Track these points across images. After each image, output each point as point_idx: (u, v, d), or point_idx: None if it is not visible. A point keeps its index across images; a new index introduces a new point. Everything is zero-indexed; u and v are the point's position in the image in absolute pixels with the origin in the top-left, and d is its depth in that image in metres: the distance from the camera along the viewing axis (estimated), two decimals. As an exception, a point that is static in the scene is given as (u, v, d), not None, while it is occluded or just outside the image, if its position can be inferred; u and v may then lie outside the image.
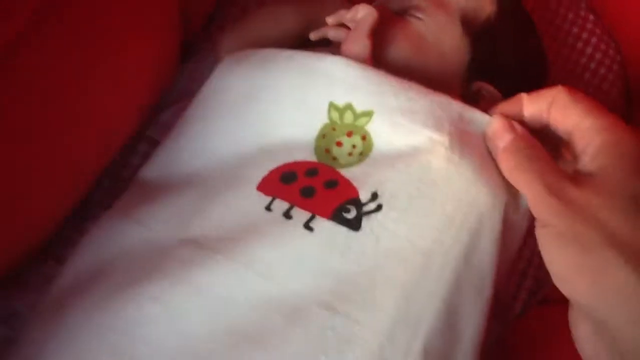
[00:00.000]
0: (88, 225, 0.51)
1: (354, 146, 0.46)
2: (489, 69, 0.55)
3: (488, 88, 0.54)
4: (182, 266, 0.42)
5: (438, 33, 0.53)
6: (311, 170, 0.46)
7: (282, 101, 0.48)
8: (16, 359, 0.42)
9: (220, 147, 0.49)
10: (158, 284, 0.41)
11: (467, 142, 0.44)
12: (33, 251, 0.51)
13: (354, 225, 0.43)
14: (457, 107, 0.46)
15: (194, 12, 0.59)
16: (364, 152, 0.45)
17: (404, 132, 0.45)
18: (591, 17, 0.74)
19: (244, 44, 0.57)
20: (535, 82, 0.59)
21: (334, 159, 0.46)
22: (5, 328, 0.48)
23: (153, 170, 0.52)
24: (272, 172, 0.46)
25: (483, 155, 0.45)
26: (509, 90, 0.55)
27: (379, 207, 0.43)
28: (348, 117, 0.47)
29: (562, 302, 0.48)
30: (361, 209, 0.43)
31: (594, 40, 0.73)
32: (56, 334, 0.41)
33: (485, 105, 0.54)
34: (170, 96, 0.60)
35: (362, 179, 0.44)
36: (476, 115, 0.46)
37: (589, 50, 0.73)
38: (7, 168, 0.43)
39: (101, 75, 0.48)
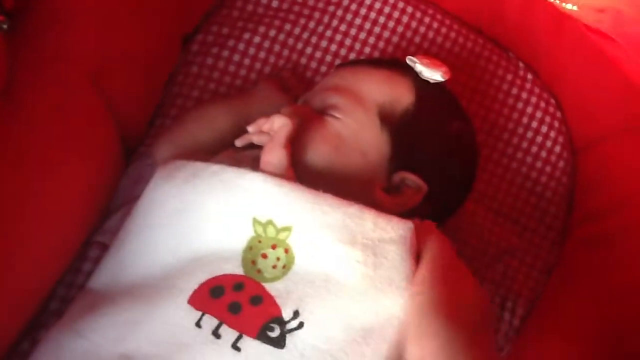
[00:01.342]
0: (41, 335, 0.54)
1: (277, 258, 0.49)
2: (411, 158, 0.57)
3: (411, 177, 0.56)
4: None
5: (356, 131, 0.55)
6: (238, 284, 0.49)
7: (210, 216, 0.51)
8: None
9: (156, 258, 0.52)
10: None
11: (381, 252, 0.46)
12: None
13: (279, 343, 0.46)
14: (370, 216, 0.48)
15: (135, 119, 0.62)
16: (287, 265, 0.48)
17: (321, 247, 0.48)
18: (529, 76, 0.75)
19: (178, 148, 0.60)
20: (462, 164, 0.61)
21: (259, 271, 0.48)
22: None
23: (98, 280, 0.55)
24: (202, 285, 0.48)
25: (399, 260, 0.47)
26: (435, 176, 0.57)
27: (300, 325, 0.46)
28: (271, 231, 0.49)
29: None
30: (284, 327, 0.46)
31: (533, 99, 0.75)
32: None
33: (409, 195, 0.57)
34: (116, 200, 0.63)
35: (285, 296, 0.47)
36: (392, 222, 0.48)
37: (529, 109, 0.75)
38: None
39: (44, 194, 0.51)
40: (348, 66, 0.63)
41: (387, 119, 0.56)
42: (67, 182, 0.52)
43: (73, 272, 0.60)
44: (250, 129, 0.54)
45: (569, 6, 0.57)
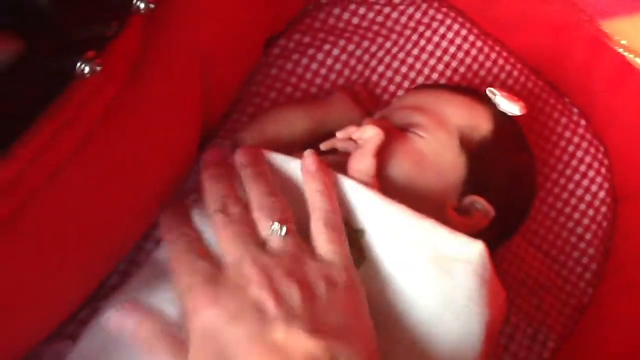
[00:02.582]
0: (101, 306, 0.55)
1: None
2: (482, 183, 0.59)
3: (481, 202, 0.59)
4: None
5: (437, 150, 0.58)
6: None
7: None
8: None
9: None
10: None
11: (447, 268, 0.49)
12: (49, 334, 0.55)
13: None
14: (442, 232, 0.50)
15: (214, 111, 0.64)
16: (355, 264, 0.50)
17: (390, 254, 0.50)
18: (582, 122, 0.79)
19: (257, 142, 0.62)
20: (524, 195, 0.64)
21: None
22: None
23: (162, 254, 0.56)
24: None
25: (464, 278, 0.49)
26: (500, 203, 0.60)
27: None
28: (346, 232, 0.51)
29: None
30: None
31: (584, 144, 0.78)
32: None
33: (478, 218, 0.59)
34: (186, 186, 0.64)
35: None
36: (462, 241, 0.50)
37: (579, 153, 0.78)
38: (39, 261, 0.47)
39: (131, 179, 0.52)
40: (429, 88, 0.66)
41: (466, 143, 0.59)
42: (161, 158, 0.54)
43: (136, 249, 0.62)
44: (339, 134, 0.57)
45: (638, 59, 0.60)
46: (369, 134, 0.54)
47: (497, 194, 0.60)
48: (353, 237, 0.52)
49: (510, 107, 0.61)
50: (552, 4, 0.72)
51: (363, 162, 0.54)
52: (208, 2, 0.53)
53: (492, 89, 0.62)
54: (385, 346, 0.48)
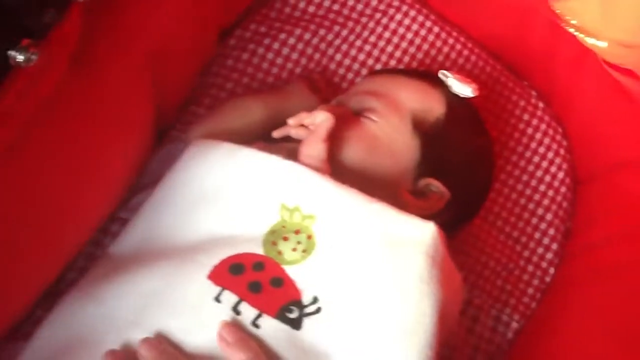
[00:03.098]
0: (53, 302, 0.55)
1: (298, 242, 0.51)
2: (437, 166, 0.60)
3: (436, 184, 0.59)
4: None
5: (391, 134, 0.58)
6: (258, 263, 0.51)
7: (240, 198, 0.54)
8: None
9: (181, 233, 0.55)
10: None
11: (398, 250, 0.49)
12: (4, 333, 0.54)
13: (296, 324, 0.48)
14: (391, 215, 0.51)
15: (169, 103, 0.63)
16: (307, 250, 0.51)
17: (342, 239, 0.50)
18: (541, 104, 0.79)
19: (212, 133, 0.62)
20: (481, 177, 0.65)
21: (279, 252, 0.51)
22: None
23: (118, 249, 0.56)
24: (222, 262, 0.51)
25: (415, 258, 0.49)
26: (457, 185, 0.61)
27: (318, 310, 0.49)
28: (296, 217, 0.52)
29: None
30: (303, 310, 0.49)
31: (543, 126, 0.79)
32: None
33: (433, 200, 0.60)
34: (144, 179, 0.64)
35: (305, 282, 0.50)
36: (412, 222, 0.51)
37: (538, 135, 0.79)
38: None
39: (84, 171, 0.52)
40: (383, 73, 0.67)
41: (419, 126, 0.60)
42: (111, 151, 0.54)
43: (94, 245, 0.62)
44: (290, 121, 0.57)
45: (592, 41, 0.61)
46: (319, 119, 0.55)
47: (453, 176, 0.60)
48: (304, 222, 0.52)
49: (463, 88, 0.62)
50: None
51: (313, 148, 0.54)
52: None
53: (444, 71, 0.62)
54: (337, 329, 0.49)
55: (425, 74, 0.65)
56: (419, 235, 0.51)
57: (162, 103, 0.62)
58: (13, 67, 0.38)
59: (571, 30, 0.62)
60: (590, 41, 0.61)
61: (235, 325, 0.47)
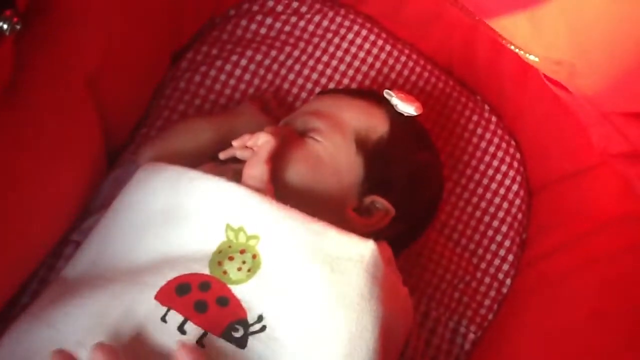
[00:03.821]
0: (5, 325, 0.55)
1: (243, 262, 0.52)
2: (381, 183, 0.61)
3: (380, 201, 0.60)
4: None
5: (334, 153, 0.60)
6: (204, 283, 0.52)
7: (186, 220, 0.55)
8: None
9: (129, 255, 0.55)
10: None
11: (338, 268, 0.50)
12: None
13: (241, 343, 0.49)
14: (331, 234, 0.52)
15: (118, 126, 0.64)
16: (252, 269, 0.52)
17: (285, 258, 0.51)
18: (493, 118, 0.81)
19: (162, 156, 0.63)
20: (427, 193, 0.66)
21: (225, 272, 0.51)
22: None
23: (69, 273, 0.57)
24: (169, 282, 0.52)
25: (355, 276, 0.50)
26: (403, 202, 0.62)
27: (263, 328, 0.49)
28: (241, 237, 0.53)
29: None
30: (248, 329, 0.49)
31: (496, 139, 0.80)
32: None
33: (378, 217, 0.61)
34: (96, 202, 0.65)
35: (250, 301, 0.50)
36: (352, 241, 0.52)
37: (491, 149, 0.80)
38: None
39: (26, 199, 0.53)
40: (329, 94, 0.68)
41: (362, 145, 0.61)
42: (53, 181, 0.55)
43: (47, 268, 0.62)
44: (235, 143, 0.58)
45: (531, 57, 0.63)
46: (261, 141, 0.56)
47: (398, 193, 0.61)
48: (249, 242, 0.53)
49: (407, 107, 0.63)
50: (456, 6, 0.74)
51: (256, 169, 0.55)
52: (93, 20, 0.54)
53: (388, 91, 0.63)
54: (281, 347, 0.50)
55: (370, 94, 0.67)
56: (358, 253, 0.52)
57: (110, 127, 0.63)
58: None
59: (510, 46, 0.64)
60: (530, 57, 0.63)
61: (192, 347, 0.47)
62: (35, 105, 0.48)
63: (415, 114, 0.63)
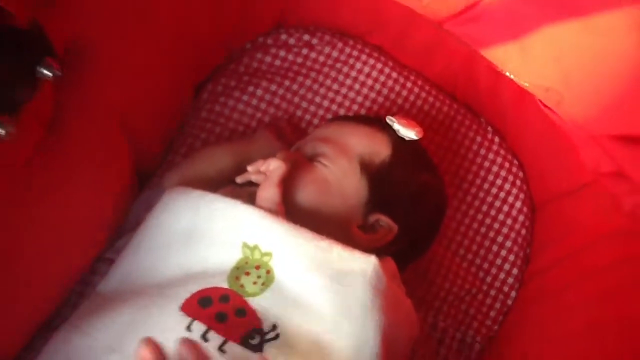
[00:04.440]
0: (49, 334, 0.62)
1: (258, 276, 0.57)
2: (385, 203, 0.66)
3: (384, 219, 0.65)
4: None
5: (340, 176, 0.65)
6: (224, 296, 0.57)
7: (207, 239, 0.60)
8: None
9: (156, 271, 0.61)
10: None
11: (343, 281, 0.55)
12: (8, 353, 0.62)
13: (258, 349, 0.54)
14: (337, 250, 0.57)
15: (148, 154, 0.71)
16: (265, 283, 0.57)
17: (295, 273, 0.56)
18: (497, 139, 0.85)
19: (185, 180, 0.69)
20: (428, 210, 0.71)
21: (242, 286, 0.57)
22: None
23: (104, 287, 0.63)
24: (193, 295, 0.57)
25: (359, 289, 0.55)
26: (405, 219, 0.67)
27: (277, 336, 0.54)
28: (257, 254, 0.58)
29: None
30: (263, 337, 0.55)
31: (499, 159, 0.85)
32: None
33: (382, 234, 0.66)
34: (128, 223, 0.71)
35: (265, 312, 0.56)
36: (355, 256, 0.57)
37: (495, 168, 0.85)
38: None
39: (66, 224, 0.60)
40: (336, 121, 0.74)
41: (366, 168, 0.66)
42: (90, 205, 0.61)
43: (84, 284, 0.69)
44: (249, 168, 0.64)
45: (524, 83, 0.68)
46: (273, 166, 0.61)
47: (400, 211, 0.66)
48: (264, 259, 0.59)
49: (408, 132, 0.68)
50: (455, 36, 0.80)
51: (268, 192, 0.61)
52: (122, 62, 0.60)
53: (390, 117, 0.69)
54: (294, 353, 0.55)
55: (373, 120, 0.72)
56: (362, 267, 0.57)
57: (140, 155, 0.70)
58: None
59: (505, 72, 0.69)
60: (524, 83, 0.68)
61: (192, 343, 0.51)
62: (74, 141, 0.55)
63: (416, 138, 0.68)
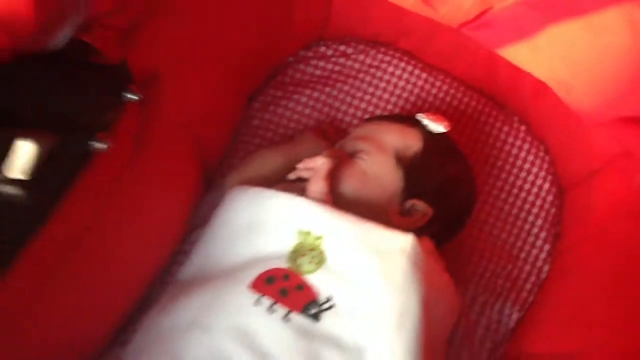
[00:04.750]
0: (142, 317, 0.73)
1: (313, 257, 0.67)
2: (419, 190, 0.75)
3: (419, 204, 0.74)
4: (195, 346, 0.63)
5: (378, 169, 0.74)
6: (285, 275, 0.67)
7: (267, 228, 0.70)
8: None
9: (226, 258, 0.71)
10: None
11: (386, 257, 0.65)
12: (109, 336, 0.74)
13: (315, 318, 0.64)
14: (378, 231, 0.66)
15: (212, 159, 0.83)
16: (319, 262, 0.66)
17: (343, 252, 0.66)
18: (523, 127, 0.93)
19: (244, 180, 0.80)
20: (459, 195, 0.79)
21: (299, 266, 0.67)
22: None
23: (183, 275, 0.74)
24: (260, 275, 0.67)
25: (399, 263, 0.65)
26: (438, 203, 0.76)
27: (331, 307, 0.64)
28: (310, 239, 0.68)
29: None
30: (320, 307, 0.64)
31: (526, 145, 0.92)
32: None
33: (418, 217, 0.75)
34: (197, 220, 0.83)
35: (320, 286, 0.65)
36: (394, 235, 0.66)
37: (522, 154, 0.92)
38: (88, 284, 0.65)
39: (150, 223, 0.72)
40: (372, 121, 0.83)
41: (401, 160, 0.75)
42: (170, 207, 0.73)
43: (166, 273, 0.80)
44: (299, 166, 0.74)
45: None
46: (320, 163, 0.71)
47: (434, 197, 0.75)
48: (316, 242, 0.69)
49: (436, 126, 0.77)
50: (474, 38, 0.88)
51: (317, 185, 0.71)
52: (192, 83, 0.72)
53: (420, 114, 0.78)
54: (346, 320, 0.64)
55: (405, 118, 0.81)
56: (401, 244, 0.66)
57: (206, 160, 0.81)
58: (93, 153, 0.58)
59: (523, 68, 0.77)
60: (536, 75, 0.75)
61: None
62: (155, 154, 0.66)
63: (444, 131, 0.77)
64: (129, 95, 0.60)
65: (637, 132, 0.65)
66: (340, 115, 0.92)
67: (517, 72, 0.87)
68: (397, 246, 0.66)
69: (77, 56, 0.55)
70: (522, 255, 0.89)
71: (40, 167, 0.52)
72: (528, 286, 0.87)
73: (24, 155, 0.51)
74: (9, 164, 0.51)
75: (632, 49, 0.62)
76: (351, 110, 0.92)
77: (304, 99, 0.91)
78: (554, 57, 0.67)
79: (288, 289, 0.66)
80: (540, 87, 0.86)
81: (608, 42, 0.61)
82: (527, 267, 0.88)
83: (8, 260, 0.52)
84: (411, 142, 0.76)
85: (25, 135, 0.51)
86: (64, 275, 0.61)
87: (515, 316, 0.86)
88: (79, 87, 0.57)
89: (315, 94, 0.92)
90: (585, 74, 0.66)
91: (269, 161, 0.82)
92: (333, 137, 0.88)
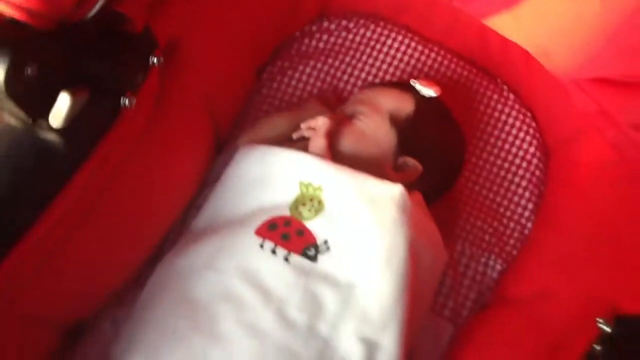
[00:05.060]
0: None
1: (312, 205, 0.76)
2: (411, 148, 0.83)
3: (410, 160, 0.83)
4: (206, 283, 0.72)
5: (374, 129, 0.83)
6: (287, 221, 0.76)
7: (272, 181, 0.79)
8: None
9: (235, 209, 0.80)
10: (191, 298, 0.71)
11: (378, 203, 0.73)
12: (130, 281, 0.83)
13: (314, 259, 0.73)
14: (371, 181, 0.75)
15: (224, 125, 0.91)
16: (318, 210, 0.75)
17: (341, 200, 0.74)
18: (511, 96, 1.00)
19: (253, 141, 0.89)
20: (448, 154, 0.87)
21: (300, 213, 0.75)
22: (111, 328, 0.80)
23: (197, 225, 0.83)
24: (263, 223, 0.75)
25: (389, 208, 0.73)
26: (428, 161, 0.84)
27: (328, 248, 0.73)
28: (310, 189, 0.77)
29: (497, 306, 0.75)
30: (318, 249, 0.73)
31: (513, 112, 1.00)
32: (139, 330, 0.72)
33: (410, 172, 0.83)
34: (210, 177, 0.92)
35: (318, 231, 0.74)
36: (385, 185, 0.74)
37: (510, 120, 1.00)
38: (113, 230, 0.75)
39: (168, 180, 0.80)
40: (369, 87, 0.91)
41: (395, 121, 0.83)
42: (187, 165, 0.82)
43: (181, 224, 0.89)
44: (302, 125, 0.82)
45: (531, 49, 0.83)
46: (320, 122, 0.80)
47: (425, 155, 0.83)
48: (316, 192, 0.77)
49: (428, 91, 0.85)
50: (466, 12, 0.95)
51: (317, 141, 0.79)
52: (208, 52, 0.80)
53: (413, 80, 0.86)
54: (341, 260, 0.73)
55: (399, 84, 0.89)
56: (391, 193, 0.75)
57: (219, 126, 0.90)
58: (122, 109, 0.66)
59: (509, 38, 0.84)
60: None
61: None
62: (174, 116, 0.75)
63: (434, 95, 0.85)
64: (154, 60, 0.68)
65: (609, 91, 0.72)
66: (342, 85, 1.00)
67: (506, 44, 0.95)
68: (388, 194, 0.74)
69: (110, 25, 0.63)
70: (508, 213, 0.97)
71: (77, 119, 0.61)
72: (512, 241, 0.95)
73: (64, 107, 0.60)
74: (53, 115, 0.60)
75: (602, 15, 0.69)
76: (352, 80, 1.00)
77: (308, 70, 1.00)
78: (534, 25, 0.74)
79: (289, 233, 0.75)
80: (527, 57, 0.93)
81: (581, 9, 0.69)
82: (512, 224, 0.96)
83: (46, 201, 0.60)
84: (404, 105, 0.84)
85: (67, 90, 0.59)
86: (93, 218, 0.70)
87: (498, 267, 0.93)
88: (112, 52, 0.65)
89: (319, 65, 1.00)
90: (561, 39, 0.73)
91: (276, 125, 0.91)
92: (335, 104, 0.96)
